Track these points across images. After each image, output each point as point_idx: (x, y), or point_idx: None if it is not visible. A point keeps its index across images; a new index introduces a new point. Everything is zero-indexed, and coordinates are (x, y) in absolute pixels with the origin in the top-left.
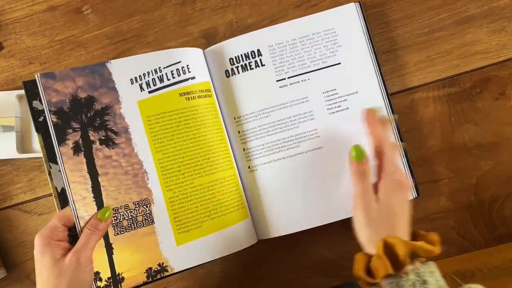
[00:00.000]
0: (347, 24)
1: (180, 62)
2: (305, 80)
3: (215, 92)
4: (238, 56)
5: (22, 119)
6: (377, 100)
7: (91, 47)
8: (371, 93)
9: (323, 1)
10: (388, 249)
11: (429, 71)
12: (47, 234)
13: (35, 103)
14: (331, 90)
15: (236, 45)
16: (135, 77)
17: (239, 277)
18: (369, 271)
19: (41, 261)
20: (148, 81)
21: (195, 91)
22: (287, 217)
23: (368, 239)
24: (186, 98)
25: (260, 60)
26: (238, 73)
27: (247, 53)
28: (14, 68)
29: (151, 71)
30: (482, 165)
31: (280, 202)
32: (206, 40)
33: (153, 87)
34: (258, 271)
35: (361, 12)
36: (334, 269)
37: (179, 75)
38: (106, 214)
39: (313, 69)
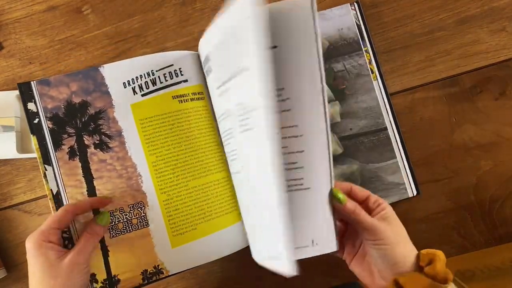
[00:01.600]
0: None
1: (172, 65)
2: (229, 89)
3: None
4: (203, 60)
5: (22, 119)
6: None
7: (91, 47)
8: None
9: (323, 0)
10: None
11: (429, 71)
12: (38, 237)
13: (30, 105)
14: (240, 104)
15: (201, 48)
16: (128, 81)
17: (239, 277)
18: None
19: (34, 263)
20: (141, 84)
21: (188, 94)
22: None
23: (403, 253)
24: (179, 100)
25: (210, 65)
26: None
27: (205, 57)
28: (14, 68)
29: (144, 74)
30: (482, 165)
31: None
32: None
33: (146, 90)
34: (258, 271)
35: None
36: (334, 269)
37: (171, 78)
38: (104, 220)
39: (234, 75)
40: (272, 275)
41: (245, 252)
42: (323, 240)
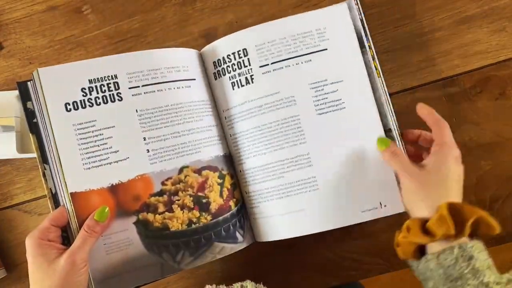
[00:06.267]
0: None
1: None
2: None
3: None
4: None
5: (22, 119)
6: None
7: (91, 47)
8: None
9: (323, 0)
10: (453, 212)
11: (429, 71)
12: (38, 235)
13: (29, 104)
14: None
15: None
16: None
17: (239, 277)
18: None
19: (33, 262)
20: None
21: None
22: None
23: (421, 201)
24: None
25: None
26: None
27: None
28: (14, 68)
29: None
30: (482, 165)
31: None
32: (206, 40)
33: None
34: (258, 271)
35: (354, 11)
36: (334, 269)
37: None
38: (100, 215)
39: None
40: (272, 275)
41: (245, 252)
42: (390, 202)
